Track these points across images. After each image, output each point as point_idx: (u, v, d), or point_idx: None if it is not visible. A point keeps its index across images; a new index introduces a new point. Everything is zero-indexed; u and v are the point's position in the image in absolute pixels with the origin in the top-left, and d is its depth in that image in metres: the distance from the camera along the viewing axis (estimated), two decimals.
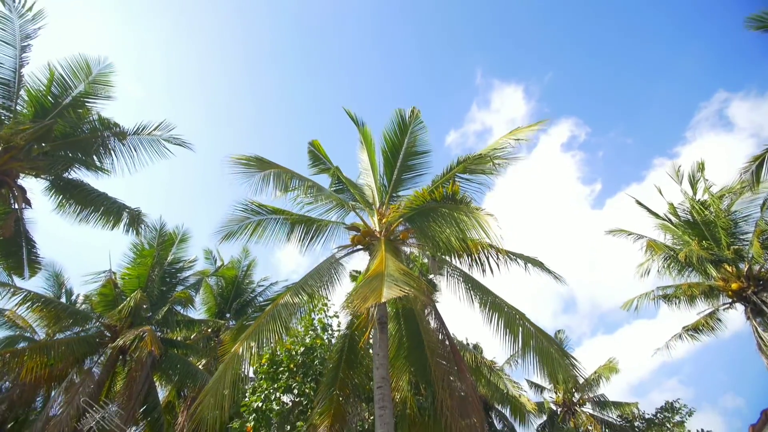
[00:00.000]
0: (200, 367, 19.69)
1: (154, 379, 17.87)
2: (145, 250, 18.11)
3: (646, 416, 25.69)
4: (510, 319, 8.92)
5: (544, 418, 26.90)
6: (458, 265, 10.96)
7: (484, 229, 7.24)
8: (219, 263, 23.69)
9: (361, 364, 11.65)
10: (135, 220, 14.34)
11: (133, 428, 19.51)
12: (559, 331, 28.77)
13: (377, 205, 12.25)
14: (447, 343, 9.42)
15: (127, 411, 15.33)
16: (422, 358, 10.48)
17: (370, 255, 11.08)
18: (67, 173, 13.66)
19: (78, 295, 21.83)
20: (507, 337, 8.77)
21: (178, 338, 20.56)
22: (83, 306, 20.49)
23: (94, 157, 14.29)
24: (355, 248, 11.30)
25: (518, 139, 8.85)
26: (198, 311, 23.78)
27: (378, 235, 11.08)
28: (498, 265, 11.67)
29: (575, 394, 27.50)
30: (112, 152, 14.39)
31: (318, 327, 14.78)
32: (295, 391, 12.55)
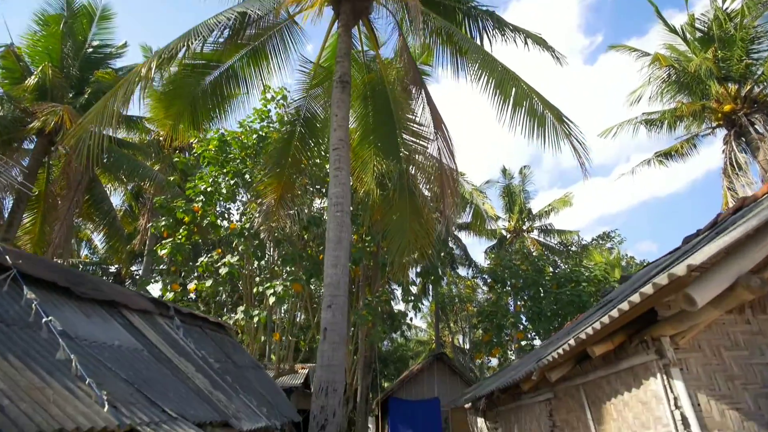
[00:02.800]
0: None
1: (96, 174, 16.13)
2: (50, 16, 14.00)
3: (584, 242, 28.02)
4: (502, 79, 6.97)
5: (495, 241, 28.72)
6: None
7: None
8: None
9: (318, 146, 10.00)
10: None
11: (85, 223, 18.61)
12: (524, 166, 28.49)
13: None
14: (423, 99, 7.55)
15: (68, 197, 13.89)
16: (391, 134, 8.84)
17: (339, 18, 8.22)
18: None
19: None
20: (497, 99, 6.95)
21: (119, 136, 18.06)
22: None
23: None
24: None
25: None
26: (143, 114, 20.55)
27: None
28: (495, 36, 9.24)
29: (525, 222, 28.89)
30: None
31: (275, 120, 12.64)
32: (247, 177, 11.11)
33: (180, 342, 5.10)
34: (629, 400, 2.60)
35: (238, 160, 11.31)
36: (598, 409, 3.10)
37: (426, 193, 8.92)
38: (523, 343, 13.86)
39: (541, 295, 13.88)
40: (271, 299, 9.33)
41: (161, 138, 20.35)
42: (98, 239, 24.05)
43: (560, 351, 2.91)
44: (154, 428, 2.72)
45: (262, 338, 10.76)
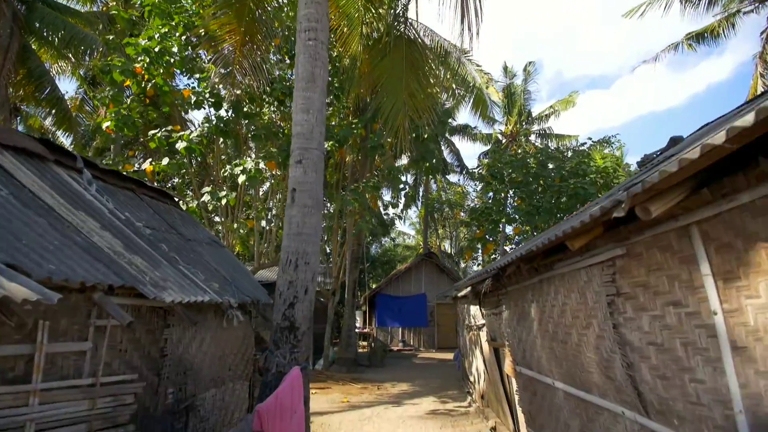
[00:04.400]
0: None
1: (30, 43, 13.23)
2: None
3: (583, 146, 26.43)
4: None
5: (489, 147, 27.01)
6: None
7: None
8: None
9: None
10: None
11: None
12: (529, 62, 25.42)
13: None
14: None
15: None
16: None
17: None
18: None
19: None
20: None
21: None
22: None
23: None
24: None
25: None
26: None
27: None
28: None
29: (524, 125, 26.87)
30: None
31: None
32: (202, 32, 8.72)
33: (86, 197, 3.60)
34: None
35: (191, 12, 8.79)
36: (731, 257, 1.76)
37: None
38: (517, 239, 13.10)
39: (541, 188, 12.70)
40: (241, 178, 7.81)
41: (112, 10, 16.80)
42: (63, 136, 21.65)
43: (713, 142, 1.44)
44: None
45: (235, 225, 9.49)
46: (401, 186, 11.20)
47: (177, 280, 3.27)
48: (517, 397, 4.94)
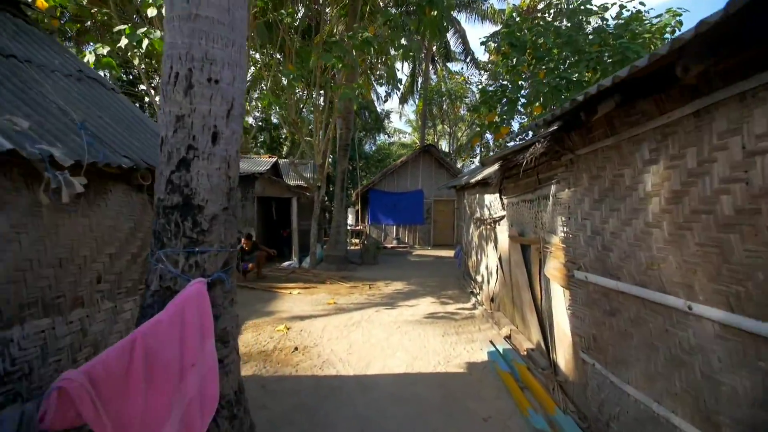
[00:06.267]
0: None
1: None
2: None
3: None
4: None
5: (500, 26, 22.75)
6: None
7: None
8: None
9: None
10: None
11: None
12: None
13: None
14: None
15: None
16: None
17: None
18: None
19: None
20: None
21: None
22: None
23: None
24: None
25: None
26: None
27: None
28: None
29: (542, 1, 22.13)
30: None
31: None
32: None
33: None
34: None
35: None
36: None
37: None
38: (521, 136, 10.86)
39: (573, 58, 10.06)
40: (152, 12, 5.11)
41: None
42: None
43: None
44: None
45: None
46: (398, 45, 8.36)
47: None
48: (567, 313, 3.35)
